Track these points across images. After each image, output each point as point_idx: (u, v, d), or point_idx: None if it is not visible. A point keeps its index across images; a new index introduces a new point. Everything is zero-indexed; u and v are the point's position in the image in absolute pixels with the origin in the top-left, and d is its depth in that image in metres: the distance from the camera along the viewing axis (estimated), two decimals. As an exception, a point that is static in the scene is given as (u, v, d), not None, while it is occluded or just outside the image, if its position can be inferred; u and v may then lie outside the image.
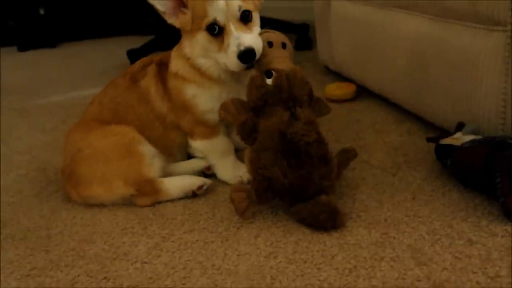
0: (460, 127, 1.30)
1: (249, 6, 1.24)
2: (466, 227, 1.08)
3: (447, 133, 1.33)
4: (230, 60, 1.20)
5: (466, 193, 1.21)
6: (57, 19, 3.54)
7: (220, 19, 1.20)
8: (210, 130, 1.36)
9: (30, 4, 3.48)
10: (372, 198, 1.24)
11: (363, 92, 1.90)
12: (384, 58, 1.65)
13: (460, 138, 1.25)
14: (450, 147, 1.24)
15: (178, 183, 1.34)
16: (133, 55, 2.72)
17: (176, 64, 1.35)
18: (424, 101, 1.49)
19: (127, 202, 1.33)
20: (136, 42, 2.93)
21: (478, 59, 1.24)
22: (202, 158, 1.44)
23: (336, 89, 1.91)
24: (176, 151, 1.44)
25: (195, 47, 1.28)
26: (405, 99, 1.61)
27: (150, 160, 1.34)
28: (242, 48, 1.17)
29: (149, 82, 1.39)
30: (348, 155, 1.26)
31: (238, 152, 1.44)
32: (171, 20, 1.28)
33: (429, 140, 1.36)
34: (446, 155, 1.26)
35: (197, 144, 1.40)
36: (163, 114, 1.38)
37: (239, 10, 1.21)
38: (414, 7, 1.46)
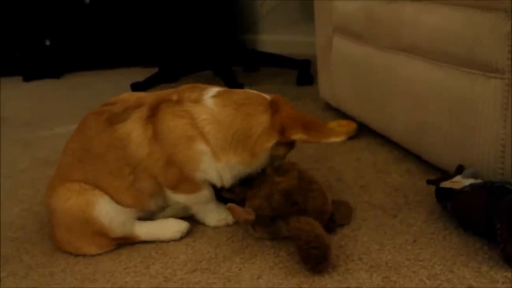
0: (460, 170, 1.31)
1: None
2: (467, 272, 1.09)
3: (447, 175, 1.35)
4: None
5: (466, 236, 1.22)
6: (62, 50, 3.59)
7: None
8: (196, 185, 1.31)
9: (37, 36, 3.55)
10: (373, 240, 1.25)
11: (363, 130, 1.92)
12: (384, 98, 1.68)
13: (460, 182, 1.26)
14: (450, 190, 1.26)
15: (153, 232, 1.35)
16: (137, 88, 2.76)
17: (204, 120, 1.25)
18: (424, 142, 1.51)
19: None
20: (141, 73, 2.96)
21: (476, 105, 1.27)
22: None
23: (337, 127, 1.93)
24: (147, 201, 1.33)
25: None
26: (405, 139, 1.63)
27: (109, 221, 1.28)
28: None
29: (130, 126, 1.27)
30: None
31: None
32: None
33: (429, 182, 1.37)
34: (446, 198, 1.27)
35: (179, 198, 1.33)
36: (137, 160, 1.27)
37: None
38: (414, 51, 1.50)
